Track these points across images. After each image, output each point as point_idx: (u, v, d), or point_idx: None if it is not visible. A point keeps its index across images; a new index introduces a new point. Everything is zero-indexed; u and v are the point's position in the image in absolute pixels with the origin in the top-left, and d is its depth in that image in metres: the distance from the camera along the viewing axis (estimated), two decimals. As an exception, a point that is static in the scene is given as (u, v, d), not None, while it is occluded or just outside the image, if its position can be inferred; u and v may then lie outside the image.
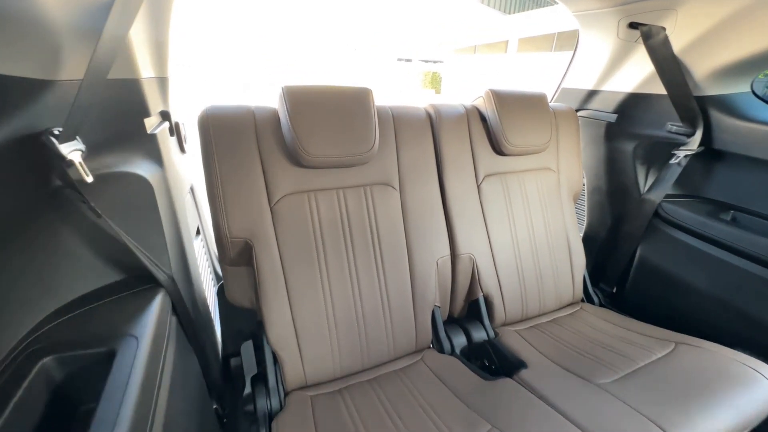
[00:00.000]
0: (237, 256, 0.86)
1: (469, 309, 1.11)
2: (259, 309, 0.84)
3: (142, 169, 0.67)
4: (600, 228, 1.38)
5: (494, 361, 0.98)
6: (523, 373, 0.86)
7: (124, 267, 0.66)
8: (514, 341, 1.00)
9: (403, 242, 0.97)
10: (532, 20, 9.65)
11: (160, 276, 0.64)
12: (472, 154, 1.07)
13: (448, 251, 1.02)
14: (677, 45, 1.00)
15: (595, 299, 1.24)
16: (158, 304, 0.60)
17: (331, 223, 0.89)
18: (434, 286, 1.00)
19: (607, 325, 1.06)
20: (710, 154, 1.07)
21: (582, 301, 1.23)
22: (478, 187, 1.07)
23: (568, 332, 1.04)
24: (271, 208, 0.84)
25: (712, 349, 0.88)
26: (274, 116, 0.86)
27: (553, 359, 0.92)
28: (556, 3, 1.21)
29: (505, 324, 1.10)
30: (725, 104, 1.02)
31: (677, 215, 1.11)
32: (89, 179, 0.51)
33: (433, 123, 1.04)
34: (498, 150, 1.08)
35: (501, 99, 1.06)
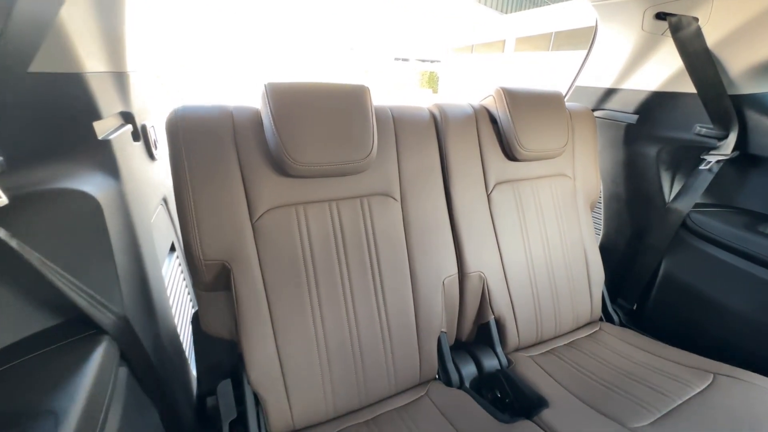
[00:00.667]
0: (213, 281, 0.74)
1: (478, 333, 1.00)
2: (238, 341, 0.72)
3: (89, 184, 0.54)
4: (619, 239, 1.27)
5: (509, 395, 0.87)
6: (545, 414, 0.74)
7: (56, 310, 0.53)
8: (530, 371, 0.89)
9: (405, 261, 0.85)
10: (530, 19, 9.57)
11: (104, 319, 0.52)
12: (482, 160, 0.96)
13: (455, 269, 0.91)
14: (711, 37, 0.89)
15: (615, 318, 1.13)
16: (98, 356, 0.48)
17: (323, 241, 0.77)
18: (440, 310, 0.88)
19: (631, 349, 0.95)
20: (746, 159, 0.97)
21: (600, 320, 1.12)
22: (488, 196, 0.96)
23: (590, 359, 0.93)
24: (252, 225, 0.73)
25: (756, 382, 0.77)
26: (256, 118, 0.74)
27: (577, 394, 0.80)
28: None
29: (518, 349, 0.98)
30: (765, 104, 0.91)
31: (708, 227, 1.00)
32: (2, 201, 0.39)
33: (438, 125, 0.93)
34: (510, 155, 0.97)
35: (514, 98, 0.94)
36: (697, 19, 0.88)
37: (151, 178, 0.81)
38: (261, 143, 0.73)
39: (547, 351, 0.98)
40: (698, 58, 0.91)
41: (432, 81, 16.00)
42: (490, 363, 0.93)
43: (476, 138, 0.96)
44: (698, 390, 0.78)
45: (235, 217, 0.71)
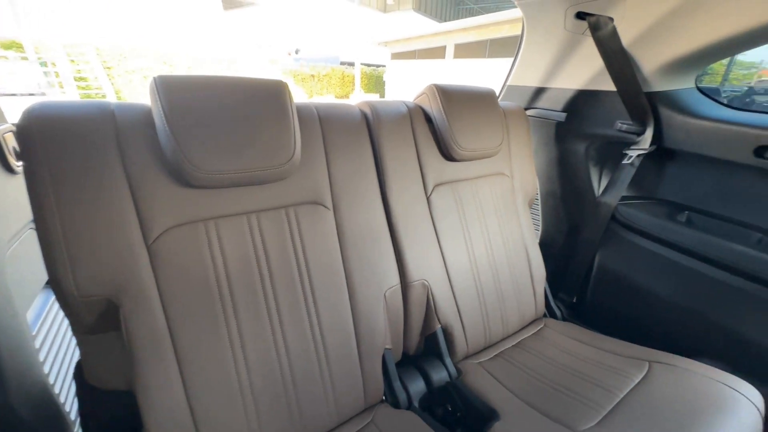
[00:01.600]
0: (97, 321, 0.59)
1: (426, 344, 0.94)
2: (135, 392, 0.58)
3: None
4: (557, 235, 1.31)
5: (460, 407, 0.82)
6: (497, 428, 0.70)
7: None
8: (480, 380, 0.85)
9: (341, 275, 0.77)
10: (465, 27, 10.08)
11: None
12: (419, 161, 0.91)
13: (397, 280, 0.84)
14: (626, 37, 0.93)
15: (558, 312, 1.14)
16: None
17: (241, 260, 0.66)
18: (383, 325, 0.81)
19: (574, 344, 0.96)
20: (663, 153, 1.03)
21: (545, 315, 1.13)
22: (428, 199, 0.91)
23: (536, 359, 0.92)
24: (147, 248, 0.59)
25: (687, 367, 0.80)
26: (146, 118, 0.61)
27: (527, 400, 0.78)
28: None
29: (467, 356, 0.95)
30: (674, 100, 0.97)
31: (634, 219, 1.05)
32: None
33: (371, 124, 0.86)
34: (447, 155, 0.93)
35: (447, 96, 0.91)
36: (612, 19, 0.92)
37: (7, 197, 0.63)
38: (154, 148, 0.60)
39: (496, 355, 0.95)
40: (615, 57, 0.94)
41: (379, 85, 16.16)
42: (439, 376, 0.87)
43: (412, 138, 0.90)
44: (637, 381, 0.79)
45: (121, 239, 0.57)
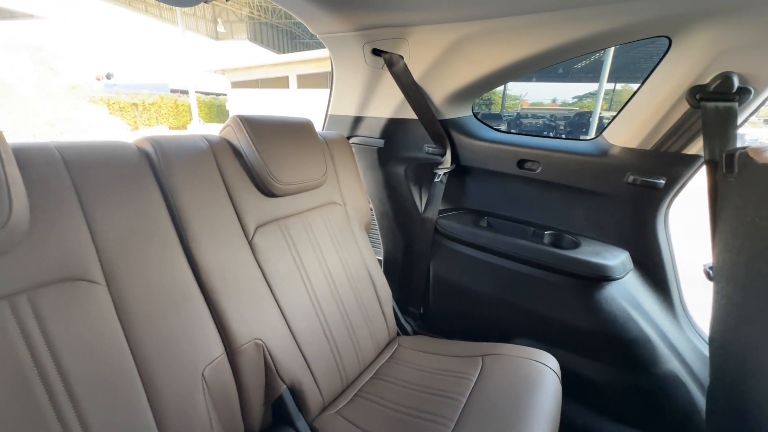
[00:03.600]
0: None
1: (273, 412, 0.80)
2: None
3: None
4: (396, 253, 1.38)
5: None
6: None
7: None
8: None
9: (128, 368, 0.57)
10: (305, 59, 10.46)
11: None
12: (233, 202, 0.79)
13: (221, 349, 0.69)
14: (415, 73, 1.06)
15: (408, 328, 1.19)
16: None
17: None
18: (206, 412, 0.64)
19: (424, 357, 1.00)
20: (462, 169, 1.21)
21: (398, 334, 1.15)
22: (251, 243, 0.80)
23: (393, 386, 0.90)
24: None
25: (508, 353, 0.92)
26: None
27: None
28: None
29: (324, 408, 0.85)
30: (459, 126, 1.16)
31: (451, 228, 1.19)
32: None
33: (155, 165, 0.69)
34: (267, 191, 0.84)
35: (254, 127, 0.83)
36: (402, 57, 1.03)
37: None
38: None
39: (355, 395, 0.89)
40: (411, 89, 1.06)
41: (222, 114, 14.97)
42: None
43: (219, 176, 0.78)
44: (474, 381, 0.86)
45: None
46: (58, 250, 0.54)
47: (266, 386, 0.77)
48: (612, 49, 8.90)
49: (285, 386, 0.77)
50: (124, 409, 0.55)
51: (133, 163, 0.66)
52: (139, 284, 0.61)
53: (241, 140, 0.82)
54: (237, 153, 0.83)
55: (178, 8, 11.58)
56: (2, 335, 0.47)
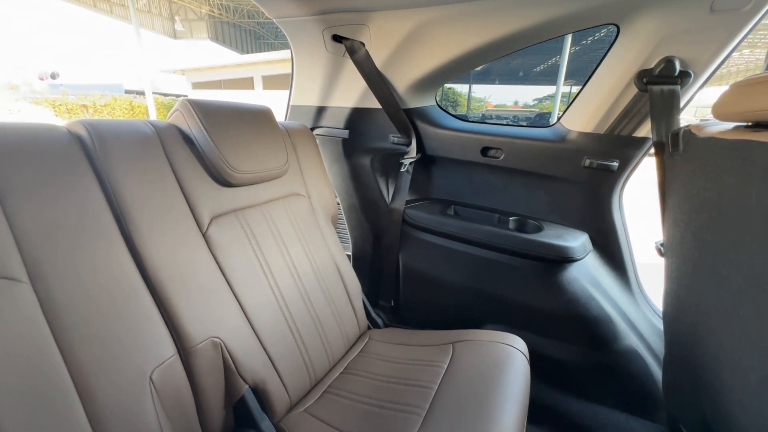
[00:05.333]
0: None
1: (235, 414, 0.75)
2: None
3: None
4: (365, 246, 1.35)
5: None
6: None
7: None
8: (307, 431, 0.73)
9: (59, 377, 0.50)
10: (270, 60, 10.21)
11: None
12: (183, 192, 0.73)
13: (172, 349, 0.63)
14: (378, 60, 1.04)
15: (379, 321, 1.16)
16: None
17: None
18: (156, 421, 0.58)
19: (395, 348, 0.98)
20: (427, 159, 1.20)
21: (369, 328, 1.12)
22: (205, 236, 0.74)
23: (363, 380, 0.88)
24: None
25: (479, 338, 0.92)
26: None
27: (357, 431, 0.71)
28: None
29: (292, 407, 0.81)
30: (423, 115, 1.15)
31: (419, 219, 1.18)
32: None
33: (91, 151, 0.62)
34: (222, 180, 0.79)
35: (206, 112, 0.77)
36: (363, 44, 1.01)
37: None
38: None
39: (324, 392, 0.86)
40: (374, 78, 1.04)
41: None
42: None
43: (167, 164, 0.72)
44: (445, 368, 0.85)
45: None
46: None
47: (226, 387, 0.71)
48: (567, 53, 9.43)
49: (247, 386, 0.73)
50: (55, 424, 0.48)
51: (62, 148, 0.59)
52: (70, 282, 0.54)
53: (192, 126, 0.76)
54: (188, 140, 0.77)
55: (130, 4, 10.93)
56: None
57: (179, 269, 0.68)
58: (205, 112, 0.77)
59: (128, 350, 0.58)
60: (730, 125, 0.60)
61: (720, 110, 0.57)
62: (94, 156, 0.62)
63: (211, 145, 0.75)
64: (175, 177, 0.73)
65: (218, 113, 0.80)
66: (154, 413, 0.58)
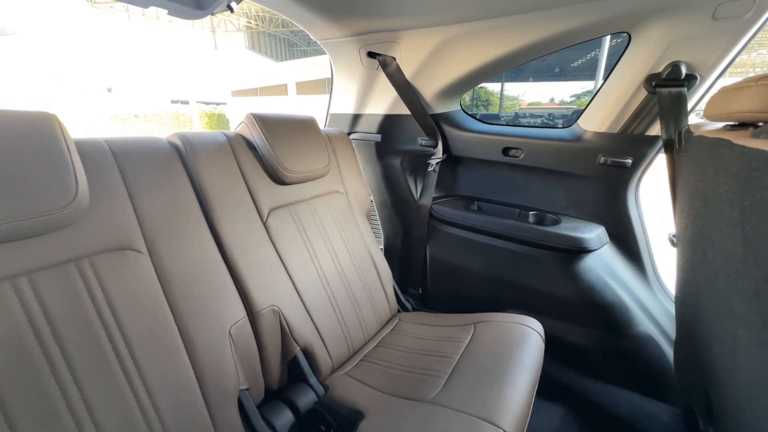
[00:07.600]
0: None
1: (289, 371, 0.91)
2: None
3: None
4: (395, 238, 1.49)
5: (331, 424, 0.82)
6: (362, 426, 0.73)
7: None
8: (347, 389, 0.87)
9: (169, 324, 0.67)
10: (302, 66, 10.65)
11: None
12: (249, 189, 0.90)
13: (243, 313, 0.80)
14: (407, 72, 1.18)
15: (408, 306, 1.29)
16: None
17: (11, 337, 0.51)
18: (234, 365, 0.75)
19: (422, 328, 1.10)
20: (453, 159, 1.32)
21: (399, 311, 1.25)
22: (265, 224, 0.91)
23: (395, 351, 1.01)
24: None
25: (498, 319, 1.02)
26: None
27: (388, 391, 0.84)
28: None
29: (334, 370, 0.96)
30: (449, 119, 1.27)
31: (445, 213, 1.30)
32: None
33: (185, 157, 0.81)
34: (277, 179, 0.96)
35: (266, 123, 0.94)
36: (395, 59, 1.14)
37: None
38: None
39: (361, 360, 1.00)
40: (404, 87, 1.18)
41: (222, 123, 15.16)
42: (307, 399, 0.85)
43: (236, 167, 0.89)
44: (466, 343, 0.96)
45: None
46: (110, 223, 0.65)
47: (283, 348, 0.87)
48: (606, 48, 9.05)
49: (299, 348, 0.88)
50: (167, 358, 0.66)
51: (165, 155, 0.77)
52: (175, 255, 0.72)
53: (255, 135, 0.93)
54: (251, 146, 0.94)
55: (188, 21, 11.79)
56: (72, 294, 0.58)
57: (247, 250, 0.84)
58: (265, 123, 0.94)
59: (212, 309, 0.75)
60: (721, 124, 0.67)
61: (709, 111, 0.65)
62: (187, 160, 0.80)
63: (270, 151, 0.92)
64: (242, 176, 0.90)
65: (275, 124, 0.96)
66: (232, 360, 0.75)
